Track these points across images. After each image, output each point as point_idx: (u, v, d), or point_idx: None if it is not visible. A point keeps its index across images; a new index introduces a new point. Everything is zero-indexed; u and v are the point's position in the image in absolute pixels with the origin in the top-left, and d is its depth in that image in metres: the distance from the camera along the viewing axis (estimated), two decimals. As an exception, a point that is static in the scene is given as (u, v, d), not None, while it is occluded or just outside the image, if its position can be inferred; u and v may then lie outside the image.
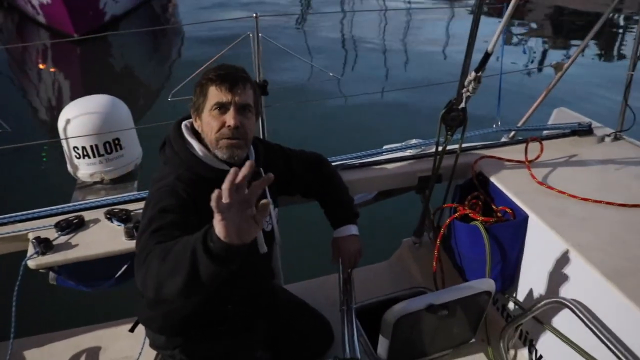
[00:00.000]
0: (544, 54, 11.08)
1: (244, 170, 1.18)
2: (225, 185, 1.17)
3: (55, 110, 7.39)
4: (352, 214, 2.22)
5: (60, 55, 10.18)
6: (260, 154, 1.96)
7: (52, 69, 9.46)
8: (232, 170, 1.18)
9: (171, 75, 9.28)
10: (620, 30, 12.58)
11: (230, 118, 1.72)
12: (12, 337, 2.23)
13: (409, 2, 15.42)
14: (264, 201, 1.22)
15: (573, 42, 11.40)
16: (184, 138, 1.84)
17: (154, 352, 2.18)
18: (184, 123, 1.89)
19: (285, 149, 2.22)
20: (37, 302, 2.85)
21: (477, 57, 2.02)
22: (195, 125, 1.84)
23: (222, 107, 1.73)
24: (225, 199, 1.17)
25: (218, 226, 1.20)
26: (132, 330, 2.21)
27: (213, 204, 1.17)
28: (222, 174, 1.77)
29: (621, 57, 10.74)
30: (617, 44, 11.72)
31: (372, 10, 14.40)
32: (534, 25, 12.69)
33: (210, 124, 1.75)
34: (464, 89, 2.07)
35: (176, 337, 2.02)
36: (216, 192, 1.16)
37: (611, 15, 2.72)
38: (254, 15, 2.32)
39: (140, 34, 10.81)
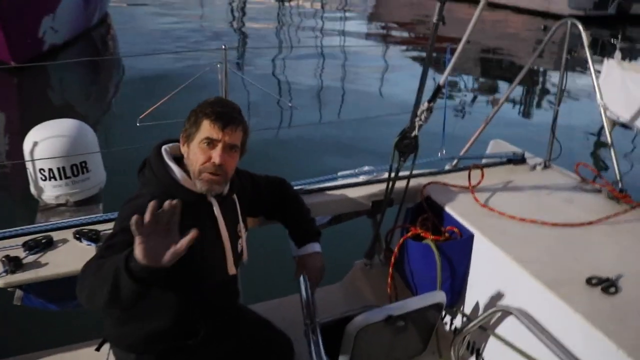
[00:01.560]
0: (480, 89, 11.86)
1: (165, 205, 1.38)
2: (147, 213, 1.34)
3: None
4: (315, 233, 2.36)
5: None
6: (235, 182, 2.08)
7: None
8: (153, 202, 1.37)
9: (111, 106, 9.25)
10: (545, 70, 13.60)
11: (216, 155, 1.84)
12: None
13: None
14: (192, 233, 1.40)
15: (504, 80, 12.26)
16: (163, 161, 1.93)
17: (121, 372, 2.21)
18: (163, 147, 1.98)
19: (252, 174, 2.35)
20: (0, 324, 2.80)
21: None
22: (182, 150, 1.94)
23: (211, 143, 1.84)
24: (146, 224, 1.33)
25: (137, 249, 1.35)
26: (98, 349, 2.23)
27: (133, 228, 1.33)
28: (199, 198, 1.91)
29: (546, 93, 11.64)
30: (543, 82, 12.69)
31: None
32: (470, 64, 13.55)
33: (197, 154, 1.86)
34: (417, 118, 2.28)
35: (146, 355, 2.06)
36: (135, 217, 1.33)
37: (539, 57, 3.06)
38: (223, 47, 2.47)
39: (80, 65, 10.67)
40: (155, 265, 1.37)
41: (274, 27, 18.47)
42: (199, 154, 1.86)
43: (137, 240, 1.34)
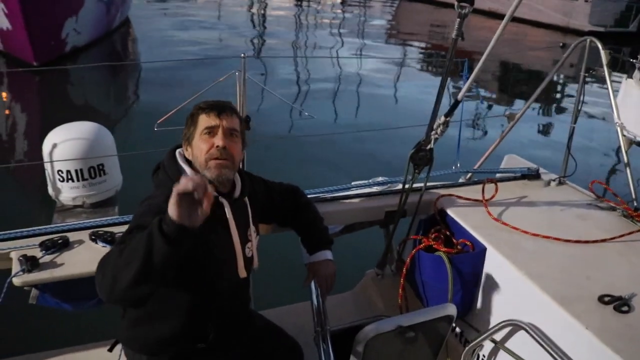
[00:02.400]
0: (496, 104, 11.84)
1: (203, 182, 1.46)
2: (196, 179, 1.45)
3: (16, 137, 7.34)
4: (327, 241, 2.38)
5: (18, 83, 10.04)
6: (246, 185, 2.12)
7: (3, 95, 9.30)
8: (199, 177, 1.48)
9: (130, 109, 9.36)
10: (563, 87, 13.55)
11: (218, 139, 1.90)
12: None
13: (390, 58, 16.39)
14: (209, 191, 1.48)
15: (521, 96, 12.23)
16: (177, 164, 1.98)
17: (132, 373, 2.23)
18: (177, 151, 2.04)
19: (266, 180, 2.38)
20: (16, 323, 2.84)
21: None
22: (187, 154, 2.00)
23: (211, 131, 1.91)
24: (189, 187, 1.43)
25: (173, 209, 1.45)
26: (110, 350, 2.26)
27: (179, 187, 1.43)
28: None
29: (562, 110, 11.58)
30: (559, 99, 12.64)
31: (350, 57, 15.11)
32: (487, 78, 13.56)
33: (199, 146, 1.92)
34: (433, 132, 2.30)
35: (157, 357, 2.09)
36: (185, 178, 1.44)
37: (557, 73, 3.07)
38: (242, 55, 2.50)
39: (100, 67, 10.84)
40: (189, 224, 1.47)
41: (293, 34, 18.62)
42: (202, 144, 1.91)
43: (174, 200, 1.44)
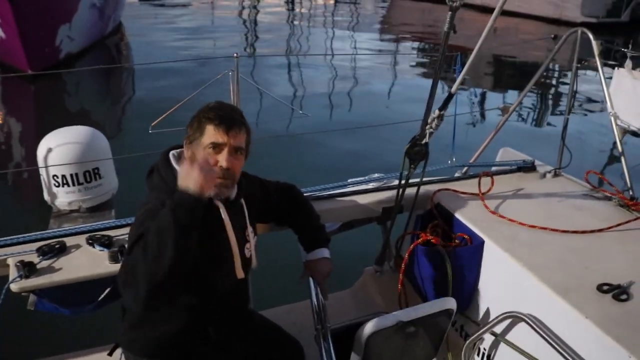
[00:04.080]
0: (490, 98, 11.86)
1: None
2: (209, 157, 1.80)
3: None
4: (324, 239, 2.38)
5: (13, 91, 10.01)
6: (242, 186, 2.11)
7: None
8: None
9: (124, 113, 9.36)
10: (556, 79, 13.58)
11: (223, 160, 1.87)
12: None
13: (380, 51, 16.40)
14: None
15: (514, 88, 12.26)
16: (171, 166, 1.97)
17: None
18: (171, 153, 2.02)
19: (262, 179, 2.38)
20: (14, 329, 2.84)
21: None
22: (186, 155, 1.97)
23: (216, 147, 1.87)
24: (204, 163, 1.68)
25: (194, 178, 1.64)
26: (110, 354, 2.25)
27: (201, 161, 1.70)
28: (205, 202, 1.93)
29: (556, 101, 11.61)
30: (553, 91, 12.66)
31: (346, 54, 15.12)
32: (480, 72, 13.58)
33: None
34: (428, 126, 2.30)
35: (158, 359, 2.09)
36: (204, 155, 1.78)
37: (549, 65, 3.07)
38: (235, 55, 2.50)
39: (94, 72, 10.83)
40: (204, 193, 1.67)
41: (286, 34, 18.62)
42: (205, 157, 1.88)
43: (196, 172, 1.64)
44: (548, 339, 1.98)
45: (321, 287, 2.31)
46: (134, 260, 1.63)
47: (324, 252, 2.33)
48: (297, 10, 26.46)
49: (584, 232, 2.45)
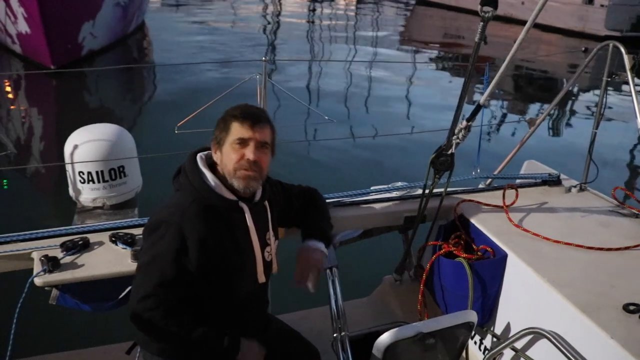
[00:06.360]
0: (514, 109, 11.77)
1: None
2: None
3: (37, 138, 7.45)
4: (326, 236, 2.31)
5: (36, 86, 10.14)
6: (266, 190, 2.11)
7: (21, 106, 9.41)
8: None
9: (149, 112, 9.44)
10: (583, 92, 13.43)
11: (249, 152, 1.89)
12: (8, 357, 2.25)
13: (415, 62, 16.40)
14: None
15: (540, 100, 12.15)
16: (198, 168, 1.98)
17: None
18: (199, 155, 2.03)
19: (284, 183, 2.37)
20: (35, 323, 2.86)
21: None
22: (215, 157, 1.99)
23: (243, 142, 1.89)
24: None
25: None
26: (128, 352, 2.25)
27: None
28: (231, 204, 1.94)
29: (583, 115, 11.47)
30: (580, 104, 12.51)
31: (376, 62, 15.10)
32: (506, 83, 13.49)
33: (230, 155, 1.91)
34: (454, 136, 2.28)
35: None
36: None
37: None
38: (263, 59, 2.50)
39: (116, 70, 10.93)
40: None
41: (305, 39, 18.67)
42: (232, 153, 1.90)
43: None
44: (571, 357, 1.94)
45: (304, 273, 2.23)
46: (173, 320, 1.88)
47: (320, 246, 2.26)
48: (317, 11, 26.53)
49: (609, 249, 2.40)
